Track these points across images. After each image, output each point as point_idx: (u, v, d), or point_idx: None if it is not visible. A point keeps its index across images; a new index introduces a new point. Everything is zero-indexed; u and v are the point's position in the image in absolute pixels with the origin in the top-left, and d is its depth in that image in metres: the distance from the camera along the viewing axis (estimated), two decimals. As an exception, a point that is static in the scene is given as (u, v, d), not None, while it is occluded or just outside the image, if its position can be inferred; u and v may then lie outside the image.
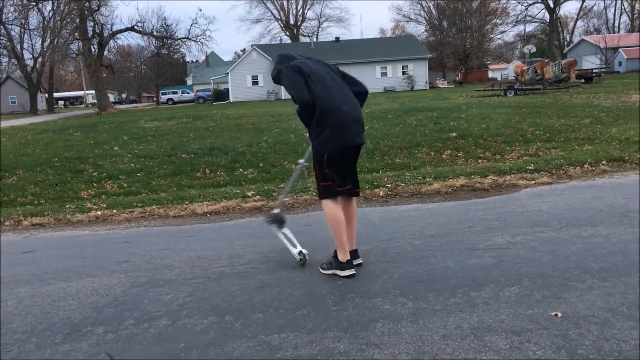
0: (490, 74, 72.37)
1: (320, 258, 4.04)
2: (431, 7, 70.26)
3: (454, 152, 9.15)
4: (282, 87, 3.91)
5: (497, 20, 68.47)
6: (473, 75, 63.42)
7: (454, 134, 11.03)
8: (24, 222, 6.18)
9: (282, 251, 4.28)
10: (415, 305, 3.15)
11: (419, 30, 74.83)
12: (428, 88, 48.60)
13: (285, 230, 4.31)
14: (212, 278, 3.88)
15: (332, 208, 3.76)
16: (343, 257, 3.73)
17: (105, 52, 48.38)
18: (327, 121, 3.62)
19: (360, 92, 3.93)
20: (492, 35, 70.03)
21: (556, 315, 2.90)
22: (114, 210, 6.40)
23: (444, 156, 8.94)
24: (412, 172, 7.51)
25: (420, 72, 50.28)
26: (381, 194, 6.28)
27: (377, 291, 3.41)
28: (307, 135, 3.88)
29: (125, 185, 8.31)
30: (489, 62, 73.27)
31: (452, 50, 65.67)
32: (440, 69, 65.09)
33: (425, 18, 72.00)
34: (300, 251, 4.08)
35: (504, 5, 66.71)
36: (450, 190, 6.34)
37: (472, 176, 6.85)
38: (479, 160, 8.35)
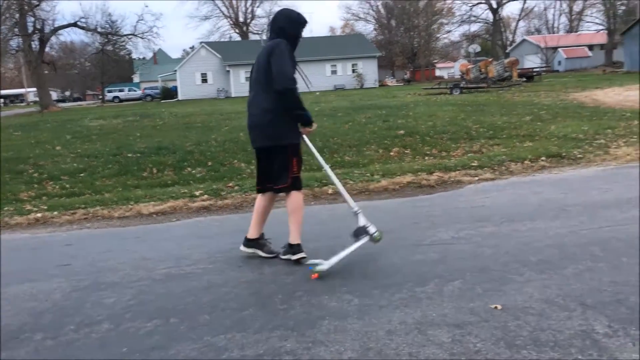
0: (438, 72, 73.91)
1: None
2: (379, 6, 71.14)
3: (402, 150, 9.29)
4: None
5: (443, 20, 70.08)
6: (421, 73, 64.59)
7: (402, 132, 11.20)
8: (-43, 226, 5.89)
9: (230, 251, 4.26)
10: (361, 302, 3.19)
11: (368, 29, 75.38)
12: (377, 86, 49.14)
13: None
14: (157, 280, 3.81)
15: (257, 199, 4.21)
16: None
17: (47, 49, 46.67)
18: None
19: (276, 91, 3.75)
20: (438, 35, 71.57)
21: (496, 307, 2.99)
22: (55, 212, 6.18)
23: (392, 153, 9.07)
24: (360, 170, 7.59)
25: (369, 71, 50.79)
26: (330, 192, 6.31)
27: (324, 289, 3.43)
28: None
29: (67, 185, 8.04)
30: (436, 61, 74.75)
31: (401, 48, 66.66)
32: (389, 68, 65.99)
33: (374, 17, 72.88)
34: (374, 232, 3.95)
35: (450, 5, 68.36)
36: (397, 187, 6.44)
37: (419, 173, 6.98)
38: (426, 157, 8.51)
